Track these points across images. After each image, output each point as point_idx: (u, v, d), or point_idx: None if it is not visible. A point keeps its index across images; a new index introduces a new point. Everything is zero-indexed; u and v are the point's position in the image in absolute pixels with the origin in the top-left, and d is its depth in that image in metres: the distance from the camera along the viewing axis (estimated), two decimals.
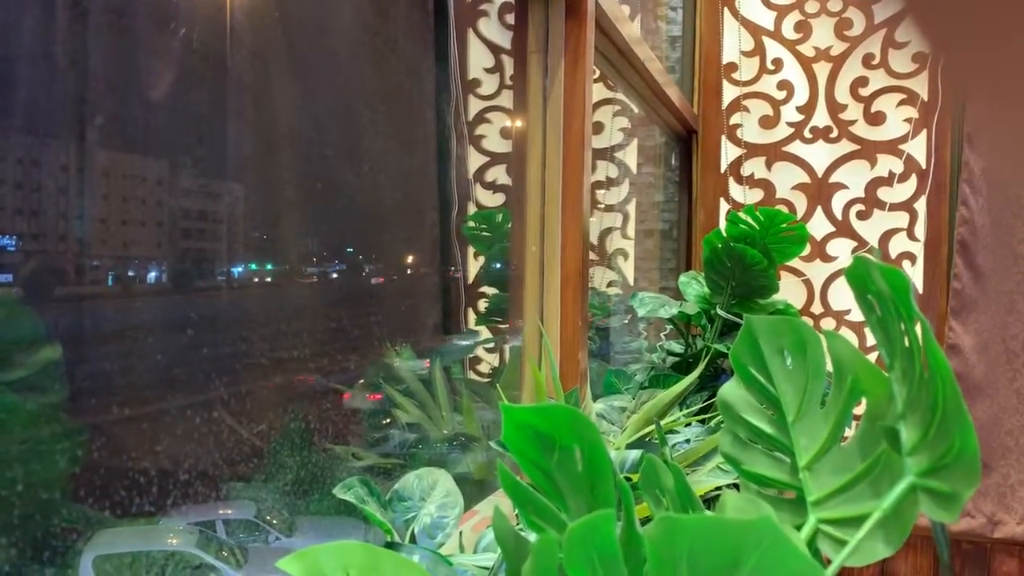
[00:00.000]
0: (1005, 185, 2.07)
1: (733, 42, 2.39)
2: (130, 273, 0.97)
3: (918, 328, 0.43)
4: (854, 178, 2.30)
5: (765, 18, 2.37)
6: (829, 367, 0.52)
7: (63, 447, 0.83)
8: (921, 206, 2.23)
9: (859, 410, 0.50)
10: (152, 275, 1.01)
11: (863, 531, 0.46)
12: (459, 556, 0.76)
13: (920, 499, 0.44)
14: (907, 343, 0.44)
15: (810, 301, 2.33)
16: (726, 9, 2.39)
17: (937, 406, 0.42)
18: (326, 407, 1.32)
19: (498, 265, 1.90)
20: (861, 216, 2.29)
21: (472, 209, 2.00)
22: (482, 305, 1.99)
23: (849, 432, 0.49)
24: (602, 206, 2.27)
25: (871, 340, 2.18)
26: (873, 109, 2.27)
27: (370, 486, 0.70)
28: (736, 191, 2.38)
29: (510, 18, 2.03)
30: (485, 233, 1.90)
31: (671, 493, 0.51)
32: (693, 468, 1.02)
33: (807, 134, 2.33)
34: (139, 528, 1.01)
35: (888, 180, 2.26)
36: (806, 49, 2.33)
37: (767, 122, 2.37)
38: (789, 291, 2.26)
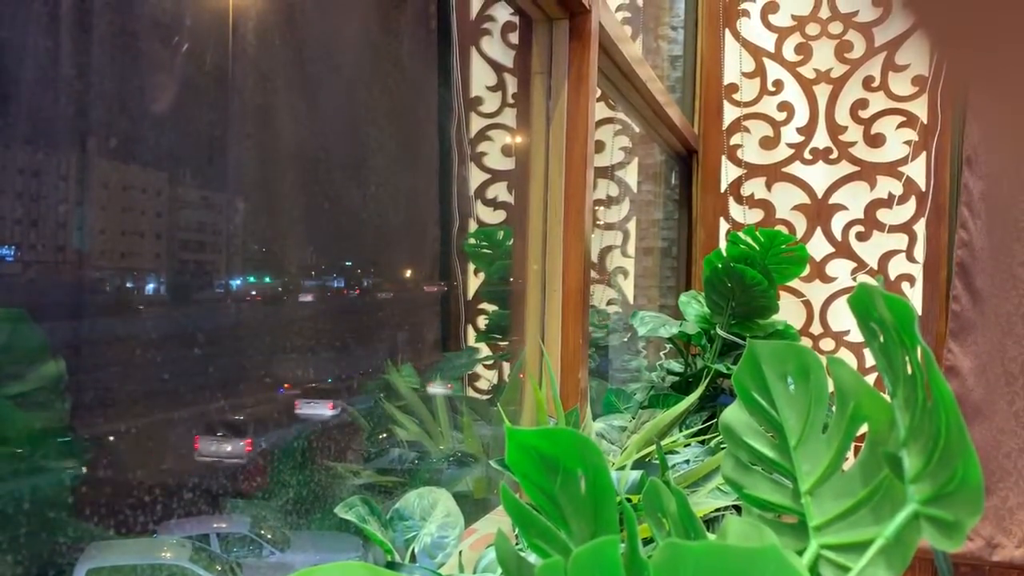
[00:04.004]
0: (1004, 208, 2.08)
1: (734, 63, 2.40)
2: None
3: (920, 355, 0.43)
4: (854, 199, 2.31)
5: (766, 40, 2.38)
6: (831, 387, 0.52)
7: None
8: (920, 228, 2.24)
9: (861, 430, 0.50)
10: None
11: (866, 558, 0.46)
12: None
13: (922, 527, 0.44)
14: (910, 371, 0.45)
15: (809, 321, 2.33)
16: (727, 30, 2.41)
17: (940, 434, 0.42)
18: None
19: (498, 282, 1.91)
20: (861, 237, 2.30)
21: (473, 226, 2.00)
22: (482, 322, 1.99)
23: (850, 456, 0.50)
24: (602, 224, 2.28)
25: (870, 361, 2.18)
26: (873, 131, 2.28)
27: (371, 505, 0.70)
28: (736, 211, 2.39)
29: (513, 37, 2.04)
30: (486, 250, 1.91)
31: (673, 517, 0.51)
32: (693, 489, 1.02)
33: (807, 155, 2.35)
34: (132, 541, 1.00)
35: (888, 202, 2.27)
36: (807, 71, 2.35)
37: (767, 143, 2.38)
38: (789, 311, 2.26)
